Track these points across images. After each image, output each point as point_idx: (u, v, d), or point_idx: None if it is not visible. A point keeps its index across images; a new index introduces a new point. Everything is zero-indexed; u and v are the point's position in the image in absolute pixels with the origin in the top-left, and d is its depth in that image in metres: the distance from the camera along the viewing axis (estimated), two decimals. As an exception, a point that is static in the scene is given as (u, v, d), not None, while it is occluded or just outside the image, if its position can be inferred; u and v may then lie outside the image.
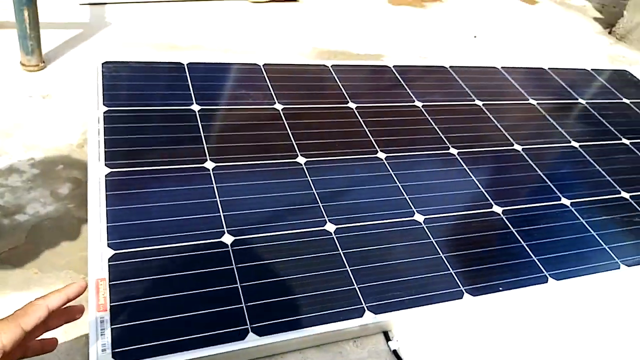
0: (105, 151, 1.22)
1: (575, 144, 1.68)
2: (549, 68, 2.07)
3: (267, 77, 1.61)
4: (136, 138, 1.27)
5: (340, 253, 1.13)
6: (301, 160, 1.34)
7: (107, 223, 1.05)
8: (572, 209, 1.42)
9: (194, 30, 2.15)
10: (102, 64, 1.48)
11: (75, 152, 1.36)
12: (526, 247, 1.26)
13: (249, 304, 0.98)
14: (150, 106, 1.37)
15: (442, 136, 1.55)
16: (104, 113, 1.32)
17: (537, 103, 1.83)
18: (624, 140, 1.77)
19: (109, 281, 0.95)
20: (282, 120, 1.46)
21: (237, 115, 1.43)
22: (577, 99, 1.92)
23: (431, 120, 1.61)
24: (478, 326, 1.12)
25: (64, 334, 0.92)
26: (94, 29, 2.01)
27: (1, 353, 0.59)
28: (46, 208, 1.18)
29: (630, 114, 1.94)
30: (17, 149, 1.33)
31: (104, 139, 1.25)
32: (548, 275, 1.21)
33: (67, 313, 0.76)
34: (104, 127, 1.28)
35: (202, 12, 2.31)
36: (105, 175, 1.16)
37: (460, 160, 1.48)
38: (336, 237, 1.17)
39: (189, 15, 2.26)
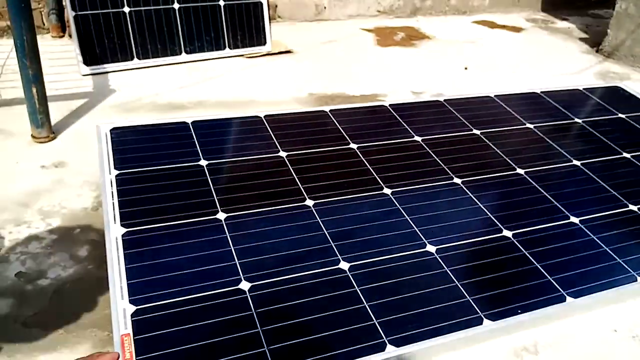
0: (120, 212, 1.25)
1: (577, 163, 1.71)
2: (541, 92, 2.13)
3: (269, 127, 1.66)
4: (148, 197, 1.31)
5: (356, 290, 1.15)
6: (309, 202, 1.37)
7: (127, 280, 1.08)
8: (582, 227, 1.43)
9: (194, 88, 2.23)
10: (110, 130, 1.54)
11: (91, 215, 1.40)
12: (540, 268, 1.27)
13: (271, 347, 0.99)
14: (159, 166, 1.42)
15: (445, 167, 1.59)
16: (116, 176, 1.37)
17: (535, 127, 1.88)
18: (625, 154, 1.80)
19: (133, 336, 0.97)
20: (288, 166, 1.50)
21: (243, 166, 1.48)
22: (574, 119, 1.97)
23: (432, 153, 1.64)
24: (500, 350, 1.11)
25: (92, 394, 0.93)
26: (98, 97, 2.09)
27: None
28: (67, 271, 1.21)
29: (627, 128, 1.97)
30: (34, 217, 1.37)
31: (118, 200, 1.29)
32: (565, 294, 1.21)
33: None
34: (117, 190, 1.32)
35: (201, 71, 2.41)
36: (122, 235, 1.19)
37: (465, 189, 1.51)
38: (351, 274, 1.18)
39: (188, 75, 2.36)
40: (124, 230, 1.21)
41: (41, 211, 1.40)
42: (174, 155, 1.47)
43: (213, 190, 1.36)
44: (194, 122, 1.62)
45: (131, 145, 1.49)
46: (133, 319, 1.00)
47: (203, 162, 1.46)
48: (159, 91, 2.19)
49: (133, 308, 1.03)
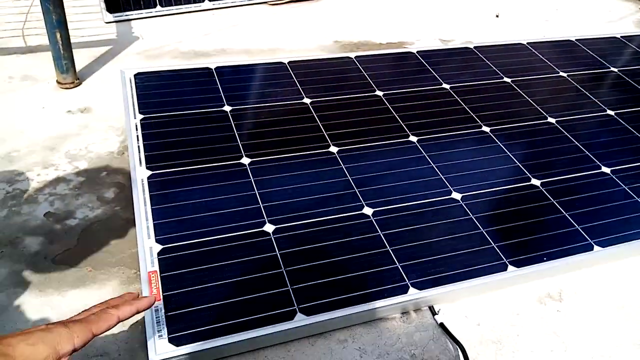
0: (145, 155, 1.26)
1: (611, 112, 1.65)
2: (576, 39, 2.03)
3: (293, 73, 1.63)
4: (173, 141, 1.31)
5: (380, 234, 1.14)
6: (334, 149, 1.36)
7: (154, 220, 1.09)
8: (613, 177, 1.39)
9: (217, 36, 2.20)
10: (134, 75, 1.53)
11: (117, 159, 1.42)
12: (568, 216, 1.25)
13: (294, 286, 1.00)
14: (183, 110, 1.42)
15: (473, 115, 1.54)
16: (140, 120, 1.37)
17: (568, 75, 1.80)
18: (662, 105, 1.72)
19: (160, 273, 0.99)
20: (312, 113, 1.48)
21: (267, 112, 1.46)
22: (609, 67, 1.88)
23: (460, 101, 1.60)
24: (524, 297, 1.11)
25: (121, 324, 0.96)
26: (122, 45, 2.08)
27: (72, 352, 0.63)
28: (94, 212, 1.23)
29: (666, 78, 1.88)
30: (61, 160, 1.39)
31: (143, 144, 1.29)
32: (593, 243, 1.19)
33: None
34: (142, 134, 1.33)
35: (224, 18, 2.37)
36: (147, 177, 1.20)
37: (494, 137, 1.47)
38: (375, 219, 1.18)
39: (211, 23, 2.32)
40: (150, 172, 1.22)
41: (68, 154, 1.42)
42: (197, 100, 1.46)
43: (237, 135, 1.36)
44: (217, 68, 1.60)
45: (155, 90, 1.49)
46: (159, 257, 1.02)
47: (227, 108, 1.44)
48: (182, 39, 2.17)
49: (159, 247, 1.05)
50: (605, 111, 1.65)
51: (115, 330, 0.96)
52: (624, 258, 1.23)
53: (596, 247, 1.18)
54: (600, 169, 1.41)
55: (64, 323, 0.65)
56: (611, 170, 1.41)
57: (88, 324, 0.67)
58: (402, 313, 1.05)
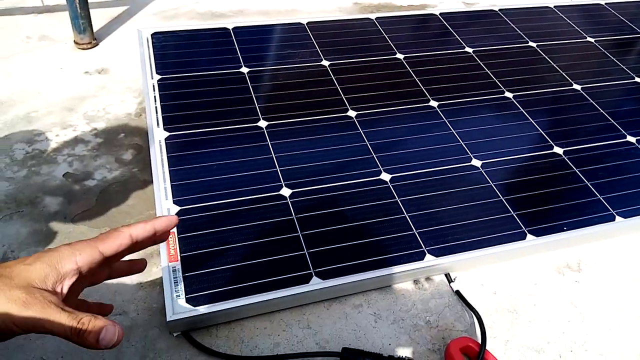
0: (163, 116, 1.26)
1: (639, 80, 1.59)
2: (606, 3, 1.95)
3: (312, 35, 1.60)
4: (190, 102, 1.30)
5: (397, 200, 1.13)
6: (352, 113, 1.34)
7: (171, 182, 1.10)
8: (639, 146, 1.35)
9: (235, -3, 2.16)
10: (152, 34, 1.51)
11: (134, 120, 1.42)
12: (590, 186, 1.22)
13: (310, 250, 1.00)
14: (200, 71, 1.40)
15: (496, 80, 1.50)
16: (158, 81, 1.36)
17: (595, 40, 1.74)
18: (694, 73, 1.66)
19: (178, 234, 0.99)
20: (331, 76, 1.45)
21: (285, 75, 1.44)
22: (639, 33, 1.81)
23: (483, 65, 1.56)
24: (542, 266, 1.10)
25: (138, 285, 0.98)
26: (138, 5, 2.05)
27: (77, 273, 0.56)
28: (112, 173, 1.23)
29: (700, 44, 1.80)
30: (80, 121, 1.39)
31: (160, 105, 1.29)
32: (615, 214, 1.16)
33: (130, 265, 0.73)
34: (160, 94, 1.32)
35: (242, -22, 2.31)
36: (165, 139, 1.20)
37: (517, 104, 1.43)
38: (392, 185, 1.17)
39: (229, -18, 2.27)
40: (167, 134, 1.21)
41: (86, 115, 1.42)
42: (215, 61, 1.44)
43: (254, 97, 1.34)
44: (235, 28, 1.58)
45: (172, 51, 1.47)
46: (177, 218, 1.03)
47: (244, 69, 1.42)
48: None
49: (177, 208, 1.05)
50: (634, 79, 1.59)
51: (133, 289, 0.97)
52: (646, 229, 1.20)
53: (618, 218, 1.16)
54: (626, 137, 1.37)
55: (69, 244, 0.58)
56: (637, 140, 1.37)
57: (95, 242, 0.58)
58: (418, 280, 1.04)
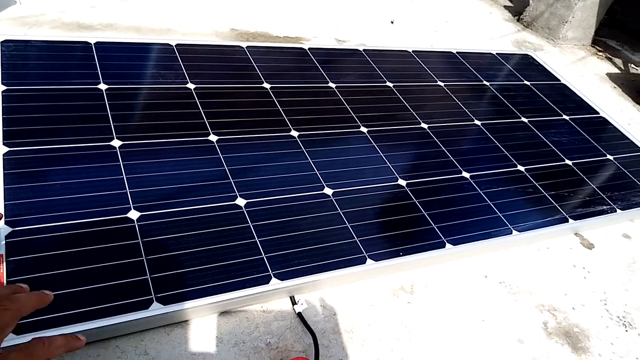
0: (3, 130, 1.18)
1: (478, 122, 1.80)
2: (457, 52, 2.19)
3: (180, 57, 1.60)
4: (37, 117, 1.24)
5: (250, 225, 1.16)
6: (213, 137, 1.36)
7: (5, 201, 1.03)
8: (471, 181, 1.52)
9: (106, 9, 2.09)
10: (2, 42, 1.42)
11: (-27, 132, 1.30)
12: (427, 216, 1.35)
13: (154, 275, 0.99)
14: (53, 85, 1.34)
15: (354, 115, 1.61)
16: (3, 92, 1.27)
17: (445, 85, 1.94)
18: (523, 119, 1.91)
19: (6, 257, 0.93)
20: (195, 99, 1.46)
21: (147, 94, 1.42)
22: (482, 81, 2.05)
23: (344, 100, 1.66)
24: (379, 289, 1.19)
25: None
26: (-4, 7, 1.90)
27: None
28: (-62, 189, 1.12)
29: (530, 94, 2.09)
30: None
31: (2, 117, 1.20)
32: (446, 241, 1.30)
33: None
34: (2, 107, 1.23)
35: (116, -8, 2.25)
36: (3, 154, 1.12)
37: (370, 138, 1.55)
38: (246, 210, 1.20)
39: (101, -5, 2.19)
40: (7, 149, 1.14)
41: None
42: (71, 75, 1.39)
43: (110, 116, 1.31)
44: (97, 43, 1.53)
45: (24, 61, 1.39)
46: (7, 240, 0.96)
47: (102, 86, 1.38)
48: (66, 8, 2.03)
49: (9, 229, 0.98)
50: (473, 121, 1.80)
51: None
52: (472, 256, 1.36)
53: (448, 245, 1.29)
54: (461, 173, 1.54)
55: None
56: (470, 176, 1.54)
57: None
58: (264, 303, 1.08)
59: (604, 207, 1.61)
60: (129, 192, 1.14)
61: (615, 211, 1.61)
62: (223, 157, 1.32)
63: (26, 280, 0.91)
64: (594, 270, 1.43)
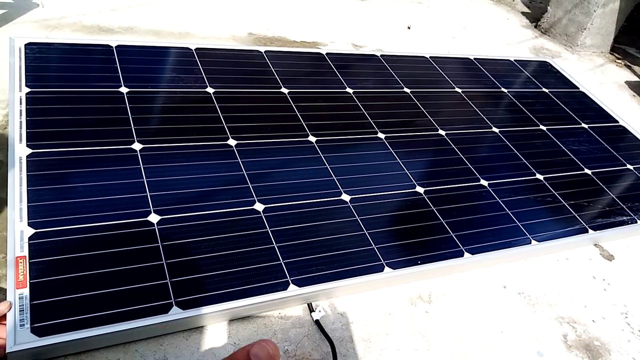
0: (27, 132, 1.19)
1: (496, 130, 1.78)
2: (474, 58, 2.18)
3: (199, 61, 1.61)
4: (60, 119, 1.25)
5: (268, 231, 1.16)
6: (232, 142, 1.36)
7: (28, 203, 1.04)
8: (490, 189, 1.51)
9: (126, 12, 2.11)
10: (25, 45, 1.44)
11: (-4, 133, 1.32)
12: (445, 224, 1.34)
13: (173, 279, 1.00)
14: (75, 88, 1.35)
15: (371, 121, 1.61)
16: (26, 94, 1.29)
17: (462, 91, 1.93)
18: (542, 127, 1.89)
19: (29, 259, 0.94)
20: (214, 103, 1.47)
21: (167, 98, 1.43)
22: (500, 88, 2.04)
23: (361, 106, 1.66)
24: (397, 297, 1.18)
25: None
26: (19, 10, 1.93)
27: None
28: (-37, 189, 1.14)
29: (548, 102, 2.07)
30: None
31: (26, 120, 1.22)
32: (464, 250, 1.29)
33: None
34: (26, 109, 1.25)
35: (136, -5, 2.27)
36: (27, 156, 1.13)
37: (387, 144, 1.54)
38: (265, 215, 1.20)
39: (121, -2, 2.22)
40: (30, 151, 1.15)
41: (-60, 124, 1.30)
42: (93, 78, 1.40)
43: (131, 119, 1.32)
44: (118, 47, 1.54)
45: (47, 64, 1.40)
46: (30, 242, 0.97)
47: (123, 89, 1.39)
48: (87, 11, 2.05)
49: (32, 231, 0.99)
50: (491, 128, 1.79)
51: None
52: (491, 265, 1.34)
53: (466, 254, 1.28)
54: (480, 181, 1.53)
55: None
56: (489, 184, 1.53)
57: None
58: (282, 309, 1.07)
59: (624, 218, 1.59)
60: (149, 195, 1.14)
61: (636, 222, 1.58)
62: (242, 161, 1.32)
63: (43, 283, 0.92)
64: (614, 283, 1.41)
